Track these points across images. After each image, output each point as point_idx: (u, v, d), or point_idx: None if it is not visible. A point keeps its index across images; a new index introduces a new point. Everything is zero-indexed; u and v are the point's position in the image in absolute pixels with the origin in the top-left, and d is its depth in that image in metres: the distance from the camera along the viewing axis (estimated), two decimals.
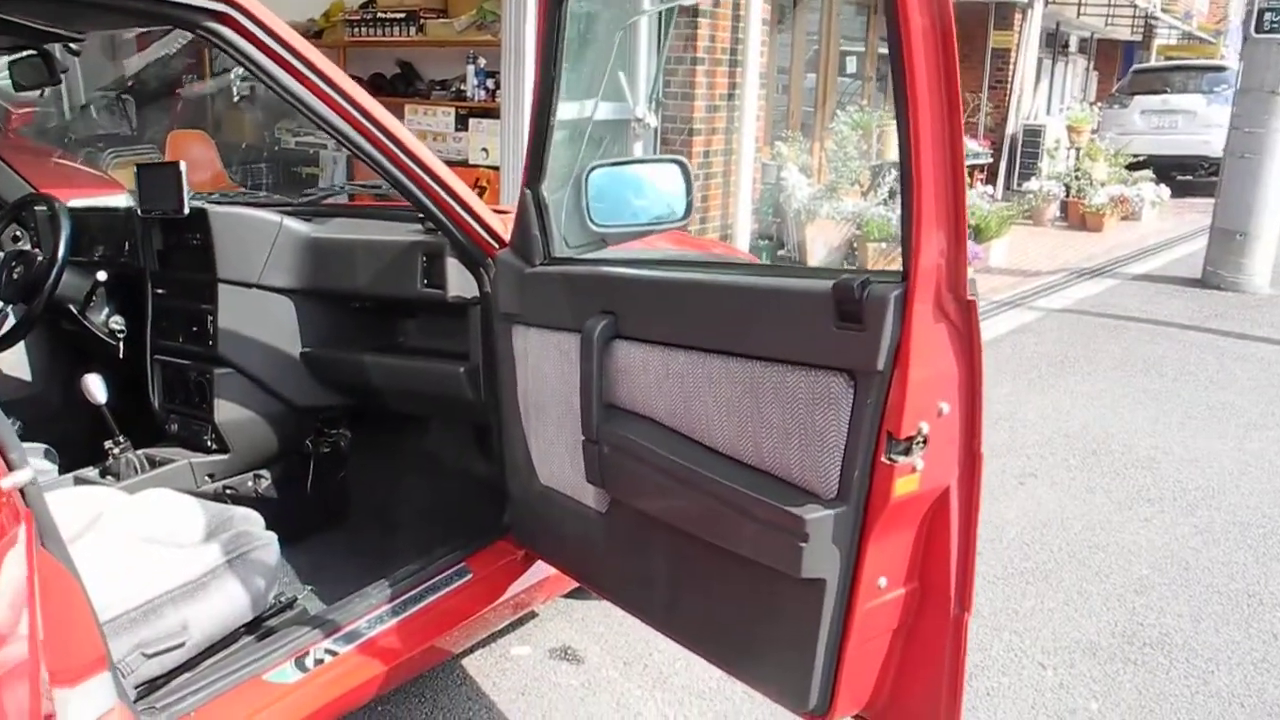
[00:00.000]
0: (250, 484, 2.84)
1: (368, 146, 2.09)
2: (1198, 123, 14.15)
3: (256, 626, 2.11)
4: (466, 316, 2.43)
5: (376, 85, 7.94)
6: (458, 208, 2.21)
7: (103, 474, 2.69)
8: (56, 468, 2.69)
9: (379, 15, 7.67)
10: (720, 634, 1.74)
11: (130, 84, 8.73)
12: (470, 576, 2.35)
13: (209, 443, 2.75)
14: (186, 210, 2.60)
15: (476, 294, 2.34)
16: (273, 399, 2.76)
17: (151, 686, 1.85)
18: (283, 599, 2.21)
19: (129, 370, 2.91)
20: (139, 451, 2.77)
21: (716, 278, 1.69)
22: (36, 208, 2.78)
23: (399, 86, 7.81)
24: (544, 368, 2.11)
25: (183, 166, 2.57)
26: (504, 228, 2.24)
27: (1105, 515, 3.78)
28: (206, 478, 2.75)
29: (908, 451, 1.39)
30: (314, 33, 8.16)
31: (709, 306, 1.65)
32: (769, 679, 1.66)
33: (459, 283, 2.39)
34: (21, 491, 1.51)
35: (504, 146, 6.38)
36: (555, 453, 2.14)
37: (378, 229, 2.63)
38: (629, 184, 2.15)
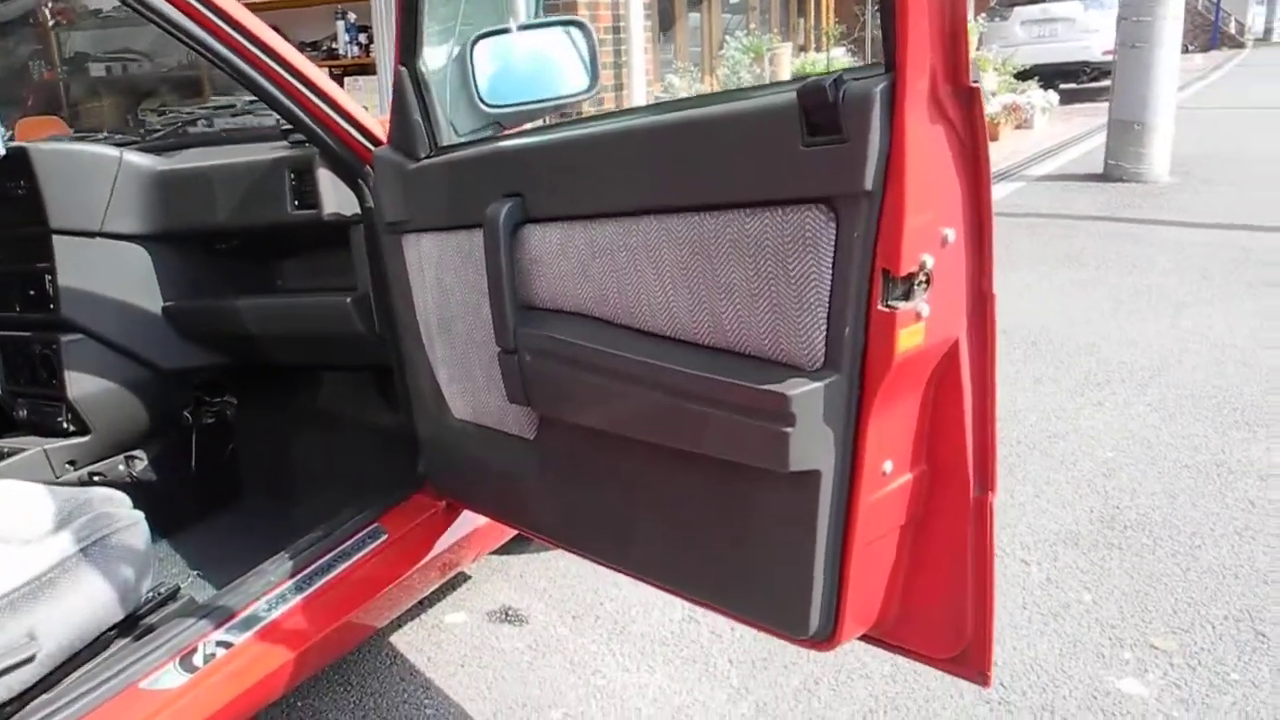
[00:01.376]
0: (122, 468, 2.47)
1: (215, 44, 1.73)
2: (1077, 29, 14.31)
3: (132, 626, 1.76)
4: (349, 239, 2.09)
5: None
6: (327, 108, 1.86)
7: None
8: None
9: None
10: (694, 560, 1.45)
11: None
12: (385, 538, 2.02)
13: (64, 425, 2.36)
14: (2, 150, 2.19)
15: (358, 210, 2.00)
16: (134, 364, 2.38)
17: (0, 714, 1.50)
18: (162, 590, 1.86)
19: None
20: None
21: (641, 121, 1.37)
22: None
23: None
24: (444, 278, 1.78)
25: None
26: (383, 131, 1.90)
27: (1058, 403, 3.59)
28: (67, 465, 2.36)
29: (909, 294, 1.10)
30: None
31: (636, 158, 1.34)
32: (758, 605, 1.37)
33: (335, 200, 2.04)
34: None
35: (384, 102, 5.98)
36: (468, 378, 1.82)
37: (237, 153, 2.25)
38: (522, 54, 1.82)
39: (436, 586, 2.42)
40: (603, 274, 1.43)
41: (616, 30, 7.01)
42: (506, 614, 2.50)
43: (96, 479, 2.39)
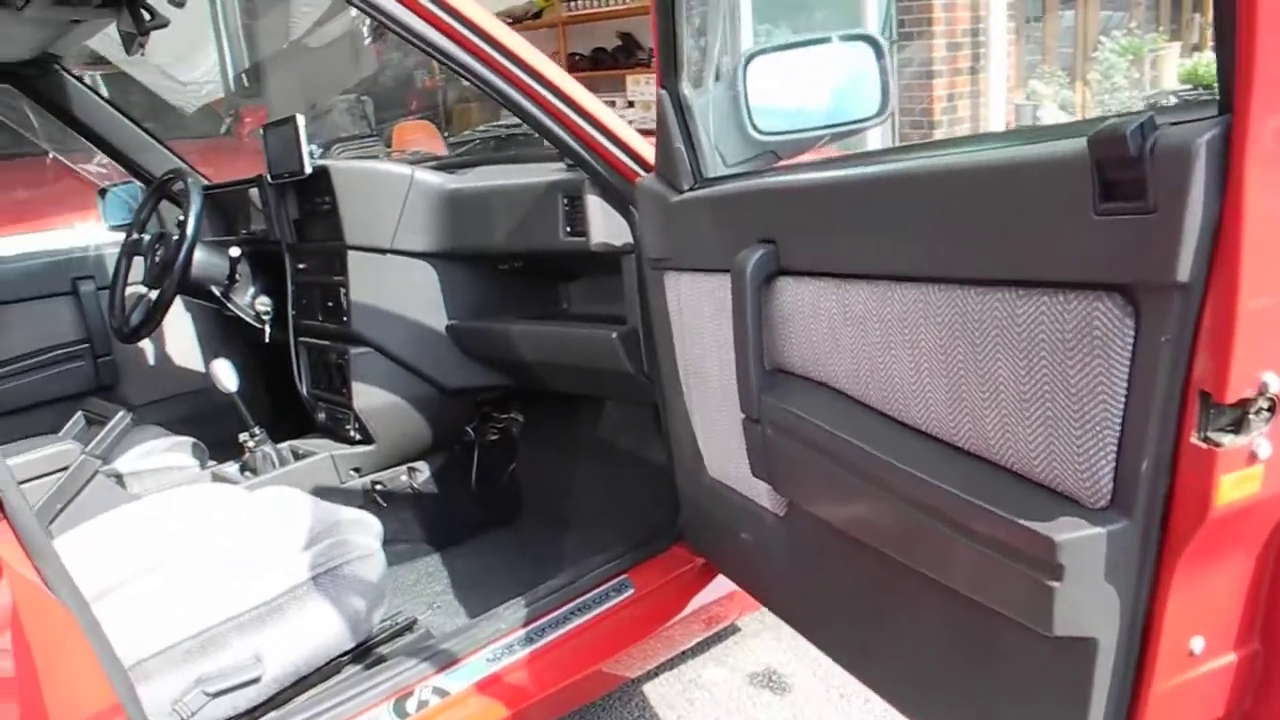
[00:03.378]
0: (404, 478, 2.50)
1: (478, 66, 1.67)
2: None
3: (366, 654, 1.74)
4: (621, 270, 1.97)
5: (597, 60, 7.71)
6: (594, 131, 1.74)
7: (242, 469, 2.41)
8: (198, 464, 2.44)
9: None
10: (935, 704, 1.18)
11: (369, 87, 8.90)
12: (631, 593, 1.89)
13: (352, 432, 2.42)
14: (308, 169, 2.26)
15: (628, 240, 1.87)
16: (418, 381, 2.39)
17: None
18: (400, 620, 1.83)
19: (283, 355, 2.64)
20: (286, 444, 2.48)
21: (900, 165, 1.11)
22: (175, 186, 2.55)
23: (620, 59, 7.53)
24: (700, 325, 1.60)
25: (300, 120, 2.23)
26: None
27: None
28: (352, 472, 2.42)
29: (1239, 426, 0.79)
30: (533, 14, 7.98)
31: (890, 211, 1.09)
32: None
33: (605, 228, 1.92)
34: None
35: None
36: (720, 437, 1.63)
37: (519, 173, 2.20)
38: (802, 74, 1.60)
39: (702, 638, 2.27)
40: (855, 345, 1.19)
41: (975, 33, 6.53)
42: (770, 678, 2.29)
43: (378, 487, 2.44)
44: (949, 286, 1.00)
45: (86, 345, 2.79)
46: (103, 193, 2.93)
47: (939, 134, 6.40)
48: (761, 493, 1.53)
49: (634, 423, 2.51)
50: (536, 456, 2.64)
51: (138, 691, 1.40)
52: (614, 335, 1.97)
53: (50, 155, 4.28)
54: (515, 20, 7.87)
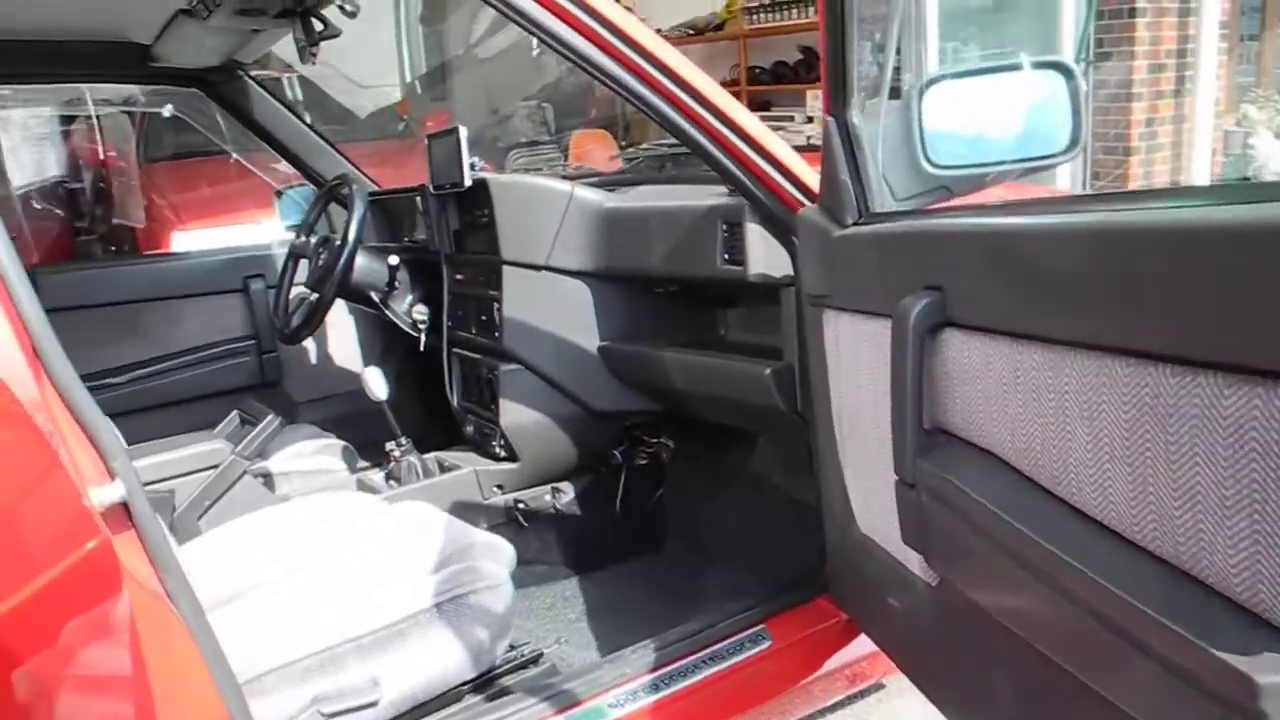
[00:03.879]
0: (548, 498, 2.46)
1: (641, 88, 1.62)
2: None
3: (488, 684, 1.69)
4: (780, 302, 1.87)
5: (777, 73, 7.61)
6: (755, 156, 1.65)
7: (387, 478, 2.42)
8: (347, 468, 2.47)
9: (779, 0, 7.26)
10: None
11: (550, 93, 9.06)
12: (767, 645, 1.78)
13: (497, 449, 2.40)
14: (467, 181, 2.25)
15: (789, 272, 1.77)
16: (567, 401, 2.35)
17: None
18: (526, 652, 1.78)
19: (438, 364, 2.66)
20: (433, 455, 2.49)
21: (1090, 217, 0.97)
22: (342, 191, 2.59)
23: (800, 73, 7.42)
24: (858, 369, 1.49)
25: (462, 132, 2.22)
26: None
27: None
28: (495, 489, 2.40)
29: None
30: (715, 26, 7.94)
31: (1076, 266, 0.95)
32: None
33: (764, 258, 1.83)
34: (127, 509, 1.18)
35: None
36: (873, 491, 1.51)
37: (680, 195, 2.12)
38: (984, 103, 1.47)
39: (842, 696, 2.15)
40: (1025, 414, 1.06)
41: (1181, 54, 6.10)
42: None
43: (520, 506, 2.41)
44: (1139, 362, 0.86)
45: (253, 341, 2.87)
46: (279, 194, 3.02)
47: (1135, 161, 6.01)
48: (912, 559, 1.40)
49: (787, 459, 2.40)
50: (684, 485, 2.57)
51: (254, 706, 1.39)
52: (767, 371, 1.87)
53: (233, 157, 4.48)
54: (697, 32, 7.83)
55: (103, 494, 1.14)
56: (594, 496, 2.51)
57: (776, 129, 2.04)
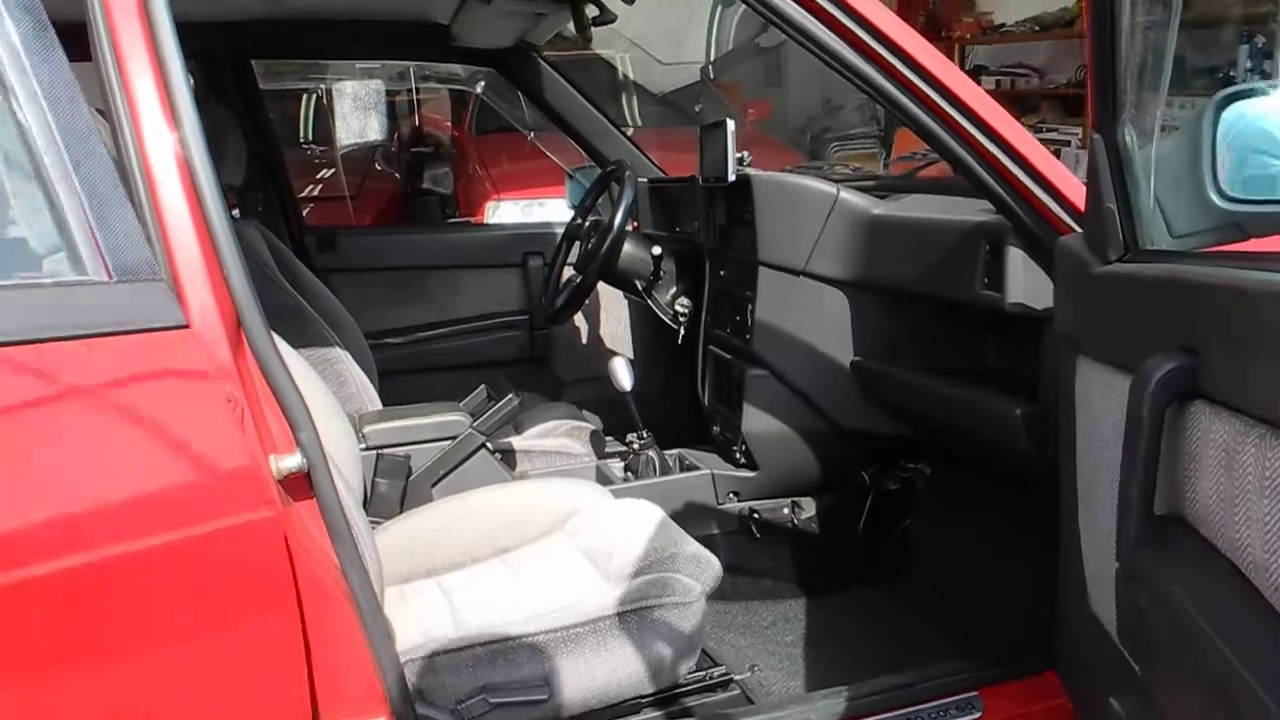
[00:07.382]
0: (786, 512, 2.36)
1: (897, 94, 1.49)
2: None
3: (670, 701, 1.63)
4: (1041, 334, 1.67)
5: None
6: (1020, 172, 1.48)
7: (626, 469, 2.41)
8: (590, 453, 2.48)
9: None
10: None
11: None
12: (977, 716, 1.60)
13: (737, 454, 2.32)
14: (730, 176, 2.18)
15: (1050, 305, 1.57)
16: (813, 414, 2.23)
17: None
18: (714, 675, 1.69)
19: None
20: (675, 451, 2.45)
21: None
22: (616, 176, 2.60)
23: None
24: (1104, 430, 1.28)
25: (730, 125, 2.15)
26: None
27: None
28: (731, 495, 2.33)
29: None
30: (1065, 22, 7.34)
31: None
32: None
33: (1025, 286, 1.64)
34: (309, 479, 1.22)
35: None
36: (1105, 567, 1.30)
37: (951, 206, 1.94)
38: None
39: None
40: (1270, 520, 0.85)
41: None
42: None
43: (756, 516, 2.33)
44: None
45: (526, 317, 2.96)
46: (569, 175, 3.08)
47: None
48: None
49: (1046, 507, 2.16)
50: (934, 519, 2.37)
51: (423, 683, 1.41)
52: (1018, 412, 1.68)
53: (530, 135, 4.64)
54: (1043, 28, 7.25)
55: (284, 462, 1.18)
56: (835, 517, 2.37)
57: None
